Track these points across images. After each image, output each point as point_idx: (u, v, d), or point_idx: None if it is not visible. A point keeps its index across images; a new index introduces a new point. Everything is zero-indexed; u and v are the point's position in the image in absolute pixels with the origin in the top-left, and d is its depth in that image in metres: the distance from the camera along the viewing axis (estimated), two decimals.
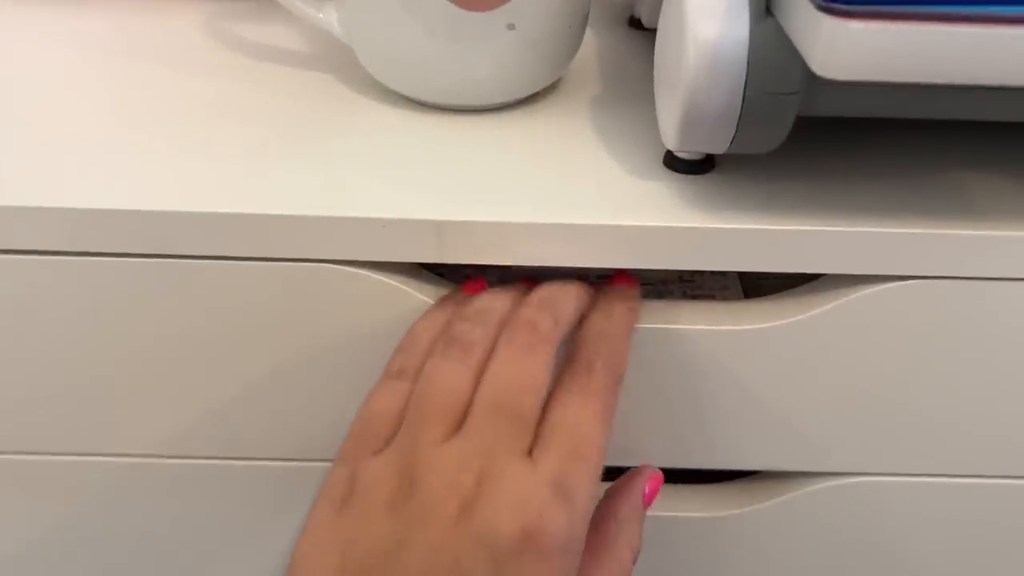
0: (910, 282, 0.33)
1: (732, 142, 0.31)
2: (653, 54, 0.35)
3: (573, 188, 0.33)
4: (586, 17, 0.38)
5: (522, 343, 0.29)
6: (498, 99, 0.38)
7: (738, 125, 0.30)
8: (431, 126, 0.37)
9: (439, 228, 0.31)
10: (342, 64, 0.40)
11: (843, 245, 0.32)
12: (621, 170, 0.34)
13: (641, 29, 0.45)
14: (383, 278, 0.33)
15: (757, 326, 0.34)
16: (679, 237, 0.32)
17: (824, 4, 0.24)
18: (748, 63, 0.29)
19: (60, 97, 0.38)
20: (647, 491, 0.33)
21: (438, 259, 0.32)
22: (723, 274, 0.40)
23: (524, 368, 0.29)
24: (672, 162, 0.34)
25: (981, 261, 0.32)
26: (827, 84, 0.26)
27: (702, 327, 0.34)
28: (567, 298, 0.32)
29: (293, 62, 0.41)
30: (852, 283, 0.33)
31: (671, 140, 0.32)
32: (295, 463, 0.38)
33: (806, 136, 0.33)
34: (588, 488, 0.27)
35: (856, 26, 0.24)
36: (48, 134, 0.35)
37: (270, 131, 0.36)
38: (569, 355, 0.31)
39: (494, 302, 0.32)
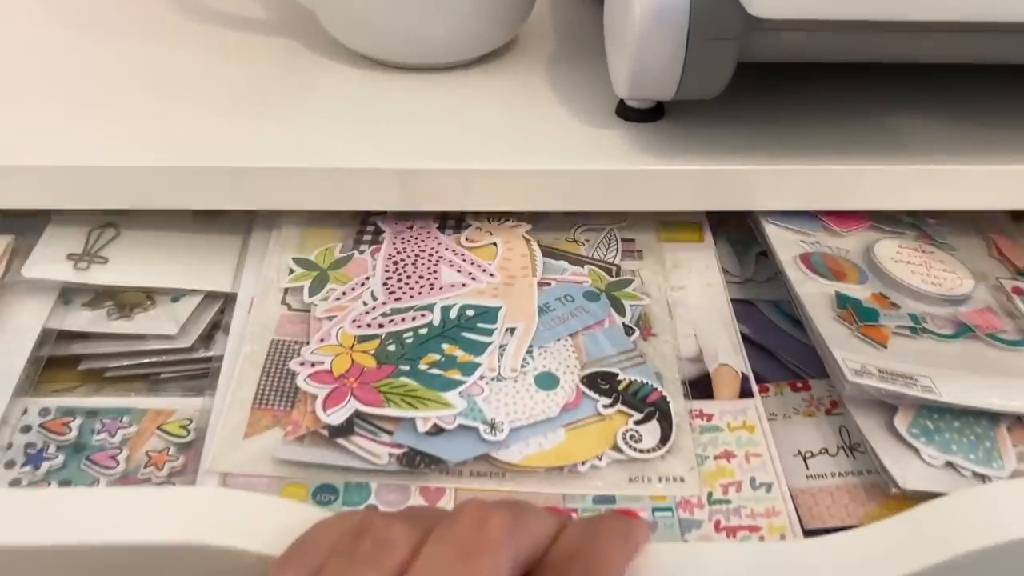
0: None
1: (678, 88, 0.33)
2: (603, 14, 0.37)
3: (532, 138, 0.35)
4: None
5: (460, 542, 0.20)
6: (456, 57, 0.39)
7: (683, 71, 0.32)
8: (392, 85, 0.38)
9: (402, 176, 0.33)
10: (305, 29, 0.42)
11: (785, 182, 0.34)
12: (576, 121, 0.36)
13: None
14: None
15: None
16: (633, 179, 0.33)
17: None
18: (690, 10, 0.30)
19: (29, 65, 0.39)
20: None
21: (401, 206, 0.33)
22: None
23: None
24: (624, 111, 0.36)
25: (912, 194, 0.34)
26: (763, 31, 0.28)
27: None
28: (537, 512, 0.23)
29: (257, 28, 0.42)
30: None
31: (622, 88, 0.34)
32: None
33: (746, 85, 0.35)
34: None
35: None
36: (17, 100, 0.36)
37: (236, 93, 0.37)
38: None
39: (433, 508, 0.23)
